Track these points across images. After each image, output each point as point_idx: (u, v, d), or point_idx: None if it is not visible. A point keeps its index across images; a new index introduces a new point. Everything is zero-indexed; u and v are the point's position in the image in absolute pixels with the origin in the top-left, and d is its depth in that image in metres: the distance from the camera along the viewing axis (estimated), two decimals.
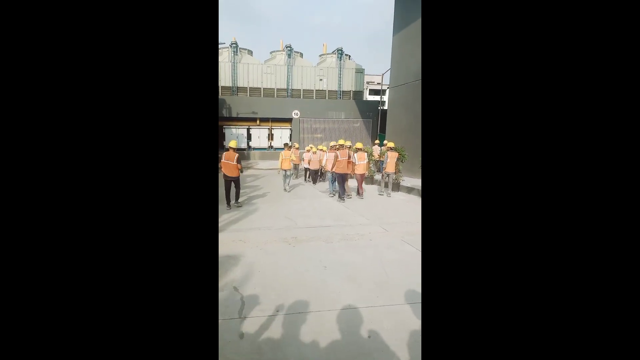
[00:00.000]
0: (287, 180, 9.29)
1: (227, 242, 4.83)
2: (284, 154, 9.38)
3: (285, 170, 9.21)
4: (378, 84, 38.85)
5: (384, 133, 18.42)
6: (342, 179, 7.89)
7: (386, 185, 8.66)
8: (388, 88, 17.25)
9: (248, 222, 6.03)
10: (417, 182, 10.09)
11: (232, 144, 6.86)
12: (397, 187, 9.27)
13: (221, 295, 3.13)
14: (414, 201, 8.22)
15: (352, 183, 9.10)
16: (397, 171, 8.93)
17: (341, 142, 8.12)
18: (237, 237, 5.06)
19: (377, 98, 25.61)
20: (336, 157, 7.82)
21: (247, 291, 3.20)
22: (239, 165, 6.83)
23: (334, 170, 7.88)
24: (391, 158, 8.38)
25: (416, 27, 11.66)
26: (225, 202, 6.95)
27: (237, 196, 7.23)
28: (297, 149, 11.81)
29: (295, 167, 11.74)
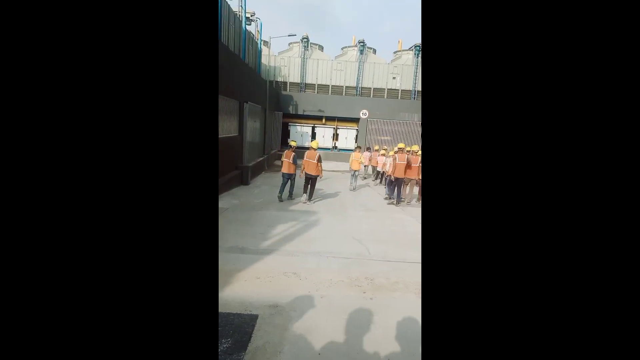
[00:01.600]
0: (355, 180, 9.32)
1: (277, 274, 3.34)
2: (355, 155, 9.36)
3: (354, 171, 9.24)
4: None
5: None
6: (398, 183, 7.44)
7: None
8: None
9: (306, 240, 4.52)
10: None
11: (314, 144, 7.10)
12: None
13: None
14: None
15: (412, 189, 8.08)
16: None
17: (400, 145, 7.83)
18: (291, 266, 3.57)
19: None
20: (394, 159, 7.44)
21: None
22: (319, 164, 6.86)
23: (391, 174, 7.52)
24: None
25: None
26: (304, 194, 7.10)
27: (311, 195, 7.12)
28: (377, 151, 10.97)
29: (373, 169, 11.66)
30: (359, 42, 18.31)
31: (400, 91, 18.20)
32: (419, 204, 7.70)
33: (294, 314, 2.62)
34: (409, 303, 2.90)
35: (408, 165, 7.51)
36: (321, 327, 2.45)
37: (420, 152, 7.89)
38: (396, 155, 7.46)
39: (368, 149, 12.35)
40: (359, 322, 2.55)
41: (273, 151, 14.31)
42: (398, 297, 3.02)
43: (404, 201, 7.70)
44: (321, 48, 19.28)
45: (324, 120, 18.23)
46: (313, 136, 18.34)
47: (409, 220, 6.22)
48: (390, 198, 7.65)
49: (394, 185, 7.50)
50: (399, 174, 7.33)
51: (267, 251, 3.99)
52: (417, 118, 17.60)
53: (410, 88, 18.12)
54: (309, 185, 7.04)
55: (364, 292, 3.07)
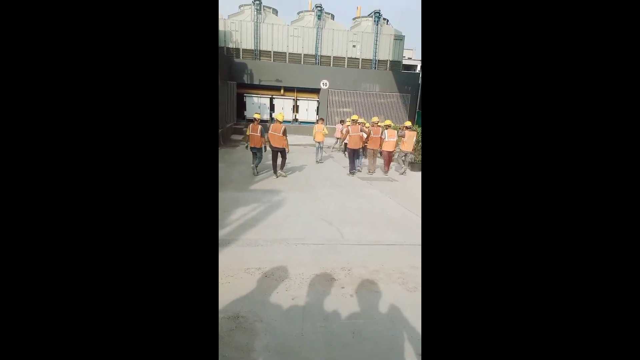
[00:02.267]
0: (320, 153, 9.14)
1: (237, 271, 2.76)
2: (318, 127, 9.05)
3: (318, 143, 9.01)
4: (410, 58, 35.22)
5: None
6: (353, 153, 7.54)
7: (403, 163, 8.29)
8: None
9: (271, 225, 3.95)
10: None
11: (280, 117, 6.86)
12: (418, 166, 8.55)
13: None
14: None
15: (379, 161, 8.39)
16: (412, 150, 8.50)
17: (354, 117, 8.06)
18: (254, 259, 2.99)
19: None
20: (347, 132, 7.52)
21: None
22: (284, 138, 6.60)
23: (347, 145, 7.59)
24: (408, 137, 7.92)
25: None
26: (273, 171, 6.86)
27: (282, 165, 6.91)
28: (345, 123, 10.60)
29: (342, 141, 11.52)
30: (316, 7, 17.12)
31: (360, 60, 17.54)
32: (386, 177, 7.57)
33: (260, 326, 2.08)
34: (396, 298, 2.49)
35: (368, 136, 7.64)
36: (295, 346, 1.94)
37: (381, 124, 8.05)
38: (349, 127, 7.56)
39: (342, 122, 11.93)
40: (343, 333, 2.08)
41: (228, 125, 13.17)
42: (382, 290, 2.60)
43: (359, 171, 7.80)
44: (275, 12, 17.77)
45: (282, 91, 17.16)
46: (271, 108, 17.27)
47: (377, 195, 5.87)
48: (350, 171, 7.62)
49: (350, 156, 7.60)
50: (353, 145, 7.44)
51: (225, 242, 3.36)
52: (378, 89, 17.20)
53: (371, 57, 17.53)
54: (278, 158, 6.79)
55: (343, 288, 2.61)
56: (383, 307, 2.37)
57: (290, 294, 2.47)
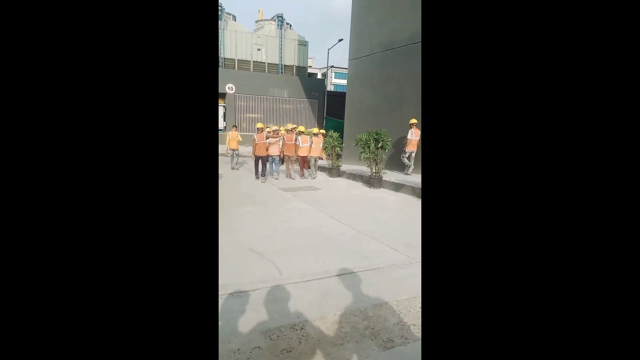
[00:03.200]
0: (235, 160, 9.29)
1: None
2: (231, 134, 9.06)
3: (233, 150, 9.13)
4: (310, 67, 35.98)
5: (331, 116, 15.88)
6: (258, 160, 7.72)
7: (314, 167, 8.75)
8: (331, 67, 14.60)
9: None
10: (393, 176, 7.87)
11: None
12: (336, 172, 8.82)
13: None
14: (413, 204, 5.87)
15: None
16: (328, 156, 9.18)
17: (259, 125, 8.20)
18: None
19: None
20: (254, 140, 7.68)
21: None
22: None
23: (254, 152, 7.72)
24: (315, 143, 8.44)
25: None
26: None
27: None
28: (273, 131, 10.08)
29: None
30: None
31: (267, 65, 16.74)
32: (308, 186, 7.18)
33: None
34: None
35: (284, 143, 8.01)
36: None
37: (296, 130, 8.26)
38: (255, 135, 7.68)
39: (235, 127, 11.50)
40: None
41: None
42: (354, 354, 1.88)
43: (293, 178, 8.01)
44: None
45: None
46: None
47: (306, 209, 5.21)
48: (256, 175, 7.81)
49: (256, 163, 7.72)
50: (259, 152, 7.58)
51: None
52: (286, 94, 16.66)
53: (277, 62, 16.90)
54: None
55: None
56: None
57: None
